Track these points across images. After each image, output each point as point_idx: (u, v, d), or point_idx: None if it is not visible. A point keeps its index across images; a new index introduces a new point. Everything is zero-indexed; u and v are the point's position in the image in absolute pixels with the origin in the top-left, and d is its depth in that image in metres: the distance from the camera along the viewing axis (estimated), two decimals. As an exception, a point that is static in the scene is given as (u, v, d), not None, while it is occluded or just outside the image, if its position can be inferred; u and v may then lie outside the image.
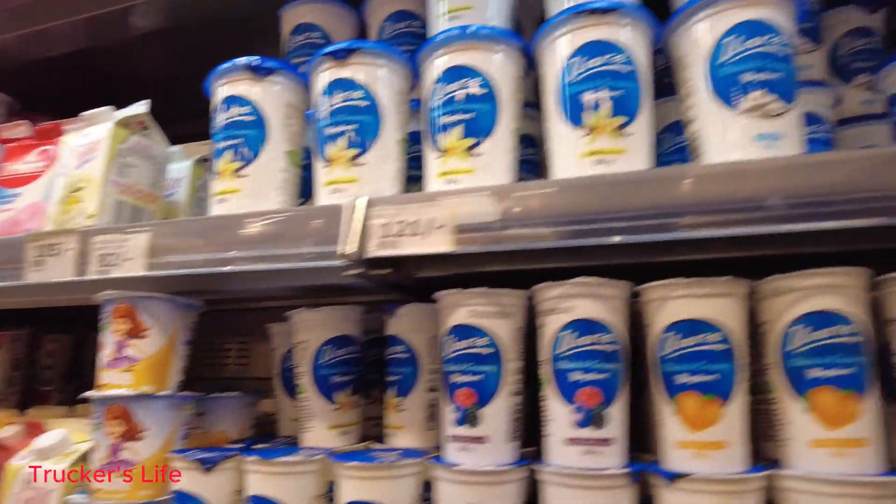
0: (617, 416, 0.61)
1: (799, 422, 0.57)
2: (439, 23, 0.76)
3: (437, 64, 0.72)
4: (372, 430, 0.91)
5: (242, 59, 0.79)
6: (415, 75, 0.78)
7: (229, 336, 1.36)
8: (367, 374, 0.90)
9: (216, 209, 0.77)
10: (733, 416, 0.58)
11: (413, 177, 0.85)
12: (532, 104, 0.79)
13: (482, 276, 0.82)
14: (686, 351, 0.58)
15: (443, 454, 0.66)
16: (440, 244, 0.62)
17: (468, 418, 0.64)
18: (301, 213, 0.69)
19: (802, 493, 0.55)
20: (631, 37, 0.64)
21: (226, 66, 0.79)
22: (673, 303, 0.60)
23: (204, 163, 1.09)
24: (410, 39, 0.94)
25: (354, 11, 1.00)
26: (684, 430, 0.58)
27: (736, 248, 0.60)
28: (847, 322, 0.56)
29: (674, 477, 0.57)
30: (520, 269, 0.69)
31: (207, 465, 0.72)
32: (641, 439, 0.73)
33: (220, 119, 0.79)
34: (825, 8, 0.89)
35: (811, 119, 0.78)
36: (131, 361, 0.80)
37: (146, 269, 0.75)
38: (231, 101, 0.79)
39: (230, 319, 1.32)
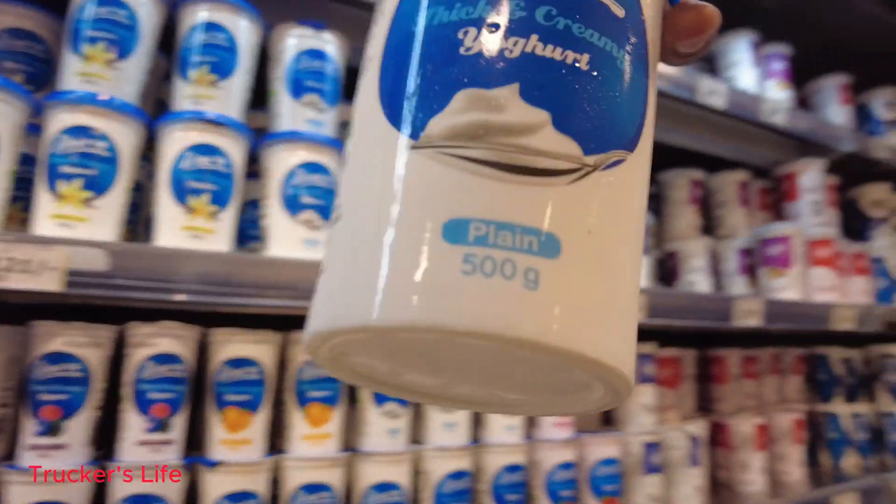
0: (179, 423, 0.84)
1: (298, 424, 0.91)
2: (72, 82, 0.85)
3: (64, 118, 0.82)
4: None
5: None
6: (36, 110, 0.85)
7: None
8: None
9: None
10: (259, 422, 0.88)
11: (18, 197, 0.90)
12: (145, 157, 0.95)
13: (72, 306, 0.94)
14: (234, 378, 0.86)
15: (19, 462, 0.77)
16: (50, 284, 0.74)
17: (51, 430, 0.77)
18: None
19: (297, 469, 0.89)
20: (233, 145, 0.89)
21: None
22: (229, 346, 0.86)
23: None
24: (29, 60, 0.97)
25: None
26: (225, 432, 0.85)
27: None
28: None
29: (213, 465, 0.83)
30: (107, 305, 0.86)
31: None
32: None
33: None
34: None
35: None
36: None
37: None
38: None
39: None
